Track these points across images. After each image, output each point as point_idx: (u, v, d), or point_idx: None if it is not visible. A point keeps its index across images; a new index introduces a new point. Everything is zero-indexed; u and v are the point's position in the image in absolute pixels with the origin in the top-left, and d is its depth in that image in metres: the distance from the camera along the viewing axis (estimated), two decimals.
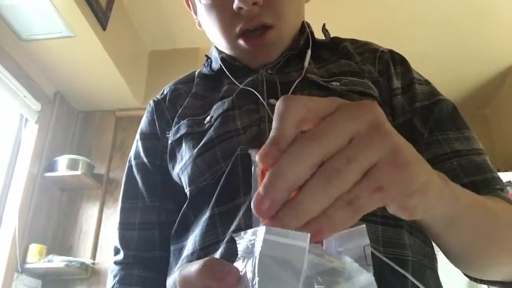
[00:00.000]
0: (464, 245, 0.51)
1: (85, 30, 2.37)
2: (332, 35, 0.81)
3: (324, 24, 0.81)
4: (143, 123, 0.80)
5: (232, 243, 0.56)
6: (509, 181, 2.74)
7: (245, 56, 0.74)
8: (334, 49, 0.78)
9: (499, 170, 3.01)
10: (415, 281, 0.41)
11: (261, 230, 0.26)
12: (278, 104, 0.29)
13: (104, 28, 2.51)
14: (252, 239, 0.27)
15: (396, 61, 0.74)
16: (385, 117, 0.30)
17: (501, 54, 3.21)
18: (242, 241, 0.28)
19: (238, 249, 0.29)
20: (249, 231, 0.28)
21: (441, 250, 0.56)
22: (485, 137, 3.70)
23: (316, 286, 0.26)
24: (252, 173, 0.31)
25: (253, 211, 0.27)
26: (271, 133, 0.28)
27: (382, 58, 0.74)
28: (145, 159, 0.76)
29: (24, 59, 2.52)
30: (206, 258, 0.29)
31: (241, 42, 0.70)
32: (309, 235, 0.26)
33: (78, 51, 2.52)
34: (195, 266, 0.29)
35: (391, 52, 0.76)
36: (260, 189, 0.26)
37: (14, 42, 2.41)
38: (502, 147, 3.59)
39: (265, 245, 0.25)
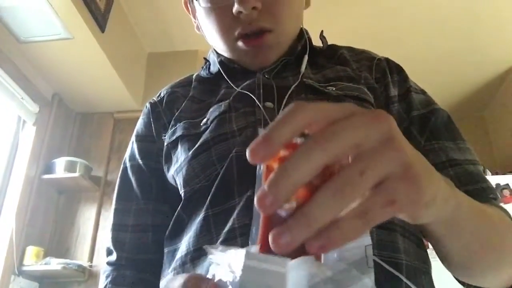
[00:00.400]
0: (464, 249, 0.51)
1: (84, 32, 2.37)
2: (331, 39, 0.82)
3: (322, 31, 0.82)
4: (139, 125, 0.80)
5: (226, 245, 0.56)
6: (507, 184, 2.75)
7: (243, 58, 0.75)
8: (331, 56, 0.79)
9: (496, 173, 3.01)
10: (410, 284, 0.41)
11: (240, 253, 0.26)
12: (287, 108, 0.29)
13: (102, 30, 2.51)
14: (230, 261, 0.27)
15: (393, 69, 0.75)
16: (398, 129, 0.30)
17: (499, 57, 3.22)
18: (219, 259, 0.28)
19: (213, 261, 0.28)
20: (230, 251, 0.27)
21: (438, 254, 0.56)
22: (482, 139, 3.71)
23: None
24: (257, 169, 0.31)
25: (256, 205, 0.27)
26: (265, 129, 0.28)
27: (379, 66, 0.75)
28: (140, 161, 0.76)
29: (22, 61, 2.52)
30: (187, 275, 0.29)
31: (240, 44, 0.70)
32: (288, 260, 0.26)
33: (77, 53, 2.52)
34: (178, 282, 0.29)
35: (388, 60, 0.77)
36: (265, 185, 0.26)
37: (13, 44, 2.41)
38: (500, 149, 3.60)
39: (245, 271, 0.25)
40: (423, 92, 0.74)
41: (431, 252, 0.60)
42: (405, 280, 0.45)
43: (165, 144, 0.72)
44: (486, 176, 0.66)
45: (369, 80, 0.72)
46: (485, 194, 0.62)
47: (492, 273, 0.56)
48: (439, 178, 0.34)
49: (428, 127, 0.68)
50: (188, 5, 0.81)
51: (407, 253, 0.56)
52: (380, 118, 0.29)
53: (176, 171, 0.68)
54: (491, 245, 0.51)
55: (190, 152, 0.66)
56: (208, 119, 0.69)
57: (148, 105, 0.81)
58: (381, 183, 0.28)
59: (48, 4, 2.16)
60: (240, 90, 0.71)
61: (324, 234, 0.27)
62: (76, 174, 2.61)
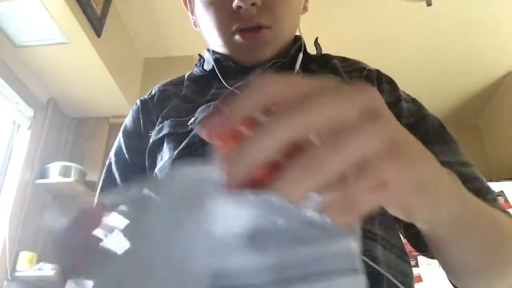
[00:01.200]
0: (473, 256, 0.46)
1: (80, 36, 2.37)
2: (332, 44, 0.82)
3: (316, 38, 0.82)
4: (127, 121, 0.80)
5: None
6: (502, 191, 2.76)
7: (239, 53, 0.75)
8: (324, 65, 0.79)
9: (491, 180, 3.02)
10: (396, 282, 0.40)
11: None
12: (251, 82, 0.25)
13: (98, 35, 2.51)
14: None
15: (383, 80, 0.75)
16: (385, 104, 0.26)
17: (493, 64, 3.24)
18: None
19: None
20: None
21: (442, 265, 0.52)
22: (477, 146, 3.73)
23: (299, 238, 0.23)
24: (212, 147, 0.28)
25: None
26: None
27: (368, 77, 0.75)
28: (126, 156, 0.75)
29: (18, 65, 2.51)
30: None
31: (237, 37, 0.71)
32: (216, 168, 0.23)
33: (72, 58, 2.52)
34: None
35: (379, 72, 0.77)
36: (225, 162, 0.23)
37: (8, 48, 2.40)
38: (495, 156, 3.61)
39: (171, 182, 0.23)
40: (413, 100, 0.73)
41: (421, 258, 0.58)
42: (392, 278, 0.44)
43: (151, 140, 0.72)
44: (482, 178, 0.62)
45: None
46: (481, 194, 0.57)
47: (500, 282, 0.52)
48: (439, 167, 0.31)
49: (419, 133, 0.66)
50: (186, 1, 0.81)
51: (388, 265, 0.55)
52: (363, 91, 0.25)
53: (159, 170, 0.68)
54: (502, 250, 0.48)
55: (175, 152, 0.66)
56: (196, 119, 0.69)
57: (138, 102, 0.80)
58: (366, 164, 0.24)
59: (44, 8, 2.16)
60: (231, 90, 0.71)
61: None
62: (71, 179, 2.59)
